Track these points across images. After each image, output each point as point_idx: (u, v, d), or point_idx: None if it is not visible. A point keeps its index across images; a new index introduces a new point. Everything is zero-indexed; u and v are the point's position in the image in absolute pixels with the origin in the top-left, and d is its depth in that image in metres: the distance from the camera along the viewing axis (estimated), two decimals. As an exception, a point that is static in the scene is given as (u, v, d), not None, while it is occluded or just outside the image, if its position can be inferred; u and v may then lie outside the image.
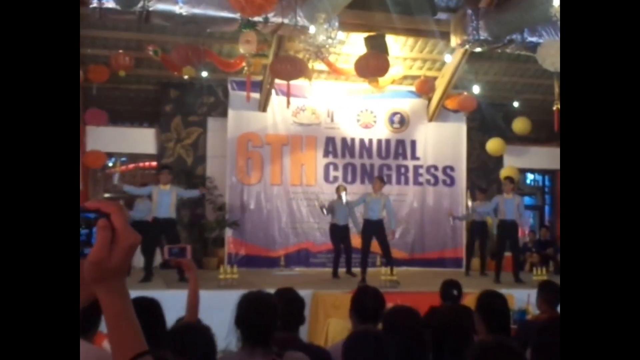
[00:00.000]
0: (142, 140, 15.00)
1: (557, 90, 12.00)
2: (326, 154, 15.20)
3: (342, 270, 12.54)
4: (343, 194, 12.58)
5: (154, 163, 14.66)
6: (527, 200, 18.53)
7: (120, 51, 12.62)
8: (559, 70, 11.04)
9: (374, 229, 12.02)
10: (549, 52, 10.87)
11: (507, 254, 12.66)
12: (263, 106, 14.59)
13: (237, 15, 10.13)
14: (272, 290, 3.96)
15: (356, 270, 12.23)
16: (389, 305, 4.34)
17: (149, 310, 3.38)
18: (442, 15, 11.93)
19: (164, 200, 11.36)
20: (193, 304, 3.91)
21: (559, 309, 5.40)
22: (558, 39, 11.27)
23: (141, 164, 15.59)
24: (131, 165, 15.59)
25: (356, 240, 12.55)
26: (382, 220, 12.15)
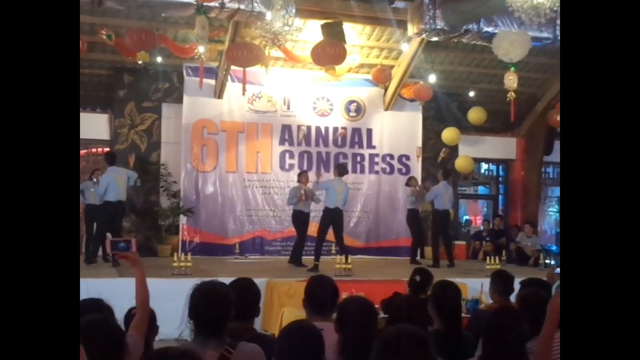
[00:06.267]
0: (95, 125, 14.68)
1: (508, 79, 12.04)
2: (282, 141, 15.14)
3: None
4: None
5: (107, 149, 14.41)
6: (481, 189, 18.73)
7: (73, 34, 12.35)
8: (512, 60, 11.15)
9: (335, 216, 11.94)
10: (501, 43, 10.97)
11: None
12: (219, 93, 14.46)
13: (192, 0, 10.01)
14: (225, 279, 3.89)
15: (306, 259, 12.14)
16: (344, 295, 4.32)
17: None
18: (399, 4, 11.95)
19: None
20: (142, 299, 3.60)
21: (512, 298, 5.47)
22: (514, 29, 11.38)
23: (94, 150, 15.30)
24: (83, 151, 15.29)
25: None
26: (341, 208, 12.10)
